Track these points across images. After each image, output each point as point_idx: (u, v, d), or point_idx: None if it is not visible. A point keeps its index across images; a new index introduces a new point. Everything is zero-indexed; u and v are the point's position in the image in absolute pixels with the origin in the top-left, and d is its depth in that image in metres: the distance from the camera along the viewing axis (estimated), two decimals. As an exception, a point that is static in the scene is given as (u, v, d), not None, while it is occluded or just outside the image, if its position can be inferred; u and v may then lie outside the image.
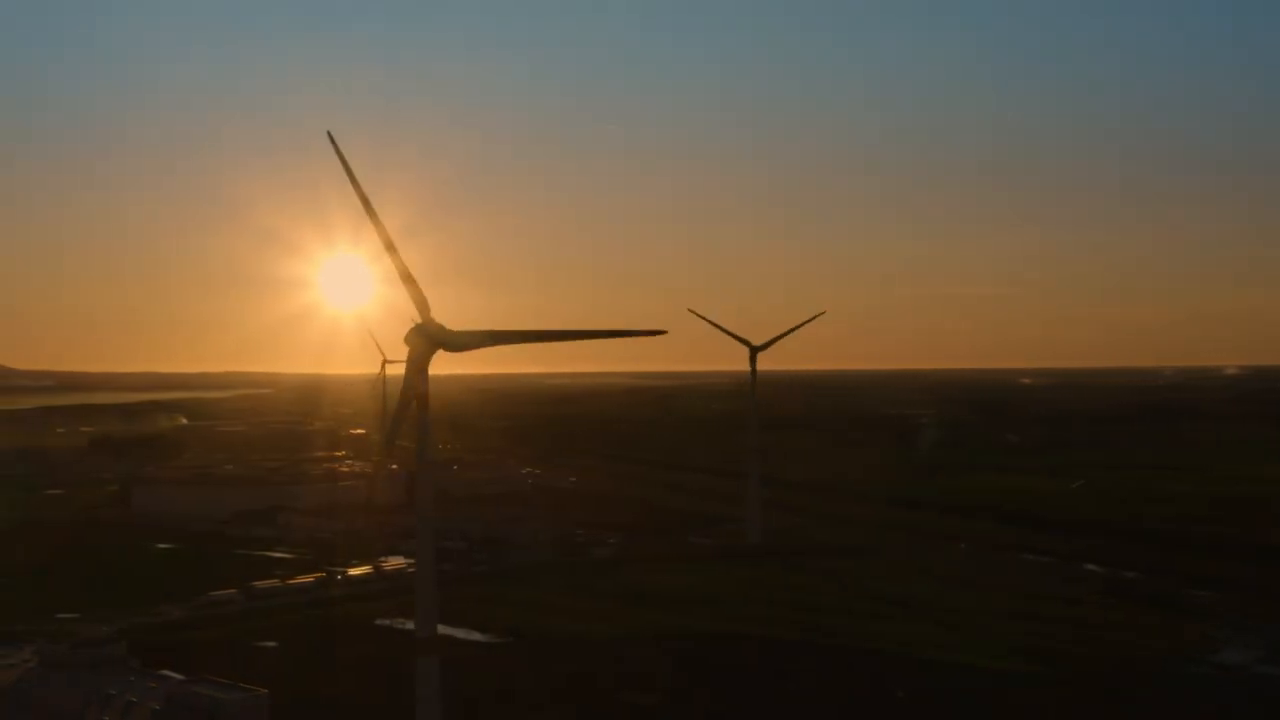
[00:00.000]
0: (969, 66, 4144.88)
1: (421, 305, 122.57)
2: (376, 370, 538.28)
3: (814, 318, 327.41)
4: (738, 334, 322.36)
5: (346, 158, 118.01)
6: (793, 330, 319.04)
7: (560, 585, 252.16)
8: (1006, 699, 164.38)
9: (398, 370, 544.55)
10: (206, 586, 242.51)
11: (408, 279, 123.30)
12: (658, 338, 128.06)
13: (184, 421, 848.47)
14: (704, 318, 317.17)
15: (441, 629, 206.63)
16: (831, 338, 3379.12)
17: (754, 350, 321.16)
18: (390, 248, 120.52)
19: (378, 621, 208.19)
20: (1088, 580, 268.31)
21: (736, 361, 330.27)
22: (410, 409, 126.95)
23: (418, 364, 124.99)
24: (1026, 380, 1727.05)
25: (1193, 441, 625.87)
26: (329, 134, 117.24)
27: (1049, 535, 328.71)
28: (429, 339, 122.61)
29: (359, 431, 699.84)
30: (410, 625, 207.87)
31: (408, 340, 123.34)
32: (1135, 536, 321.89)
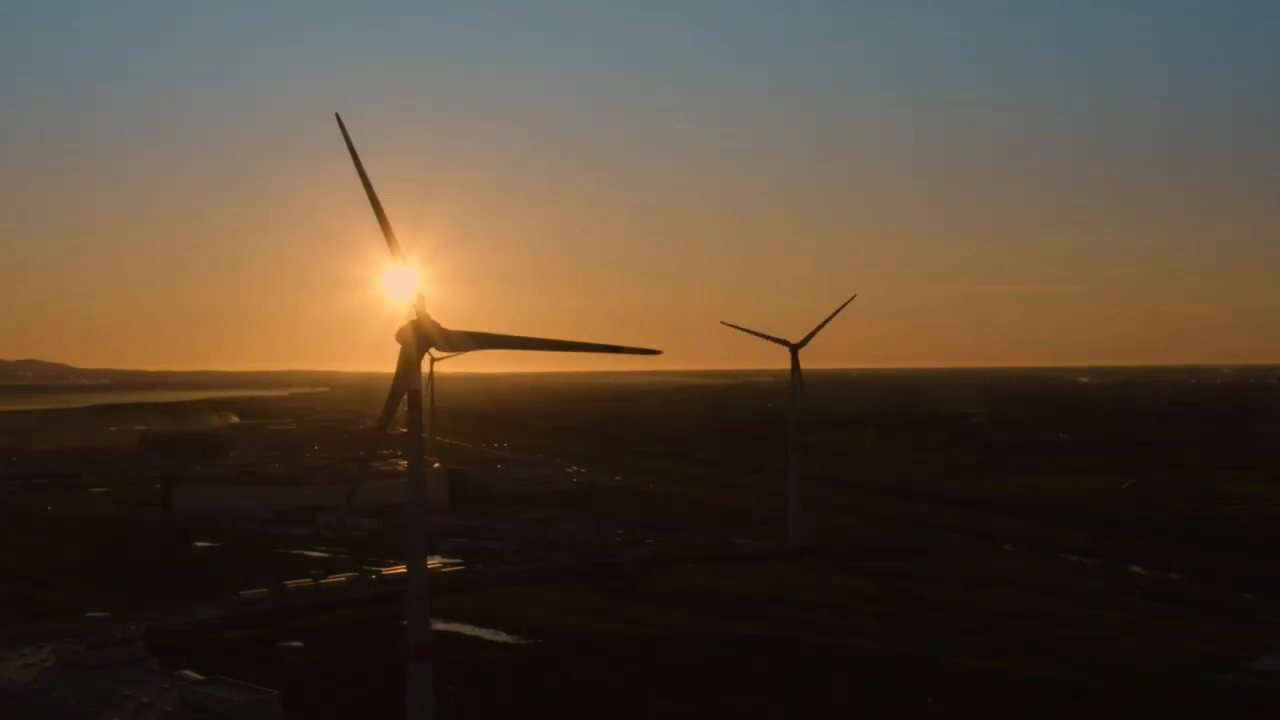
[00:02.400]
0: (1023, 65, 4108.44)
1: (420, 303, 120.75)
2: (431, 370, 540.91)
3: (846, 303, 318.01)
4: (774, 336, 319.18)
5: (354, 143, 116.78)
6: (828, 320, 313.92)
7: (595, 586, 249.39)
8: (1034, 705, 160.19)
9: (440, 368, 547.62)
10: (241, 586, 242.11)
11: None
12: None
13: (235, 420, 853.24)
14: (738, 327, 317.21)
15: (470, 630, 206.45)
16: (886, 336, 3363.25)
17: (794, 349, 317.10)
18: (391, 239, 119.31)
19: (406, 622, 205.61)
20: (1133, 582, 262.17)
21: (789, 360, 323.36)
22: (400, 402, 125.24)
23: (409, 360, 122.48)
24: (1083, 379, 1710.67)
25: (1248, 440, 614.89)
26: (337, 115, 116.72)
27: (1097, 536, 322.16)
28: (422, 336, 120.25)
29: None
30: (440, 626, 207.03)
31: (400, 337, 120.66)
32: (1184, 537, 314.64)
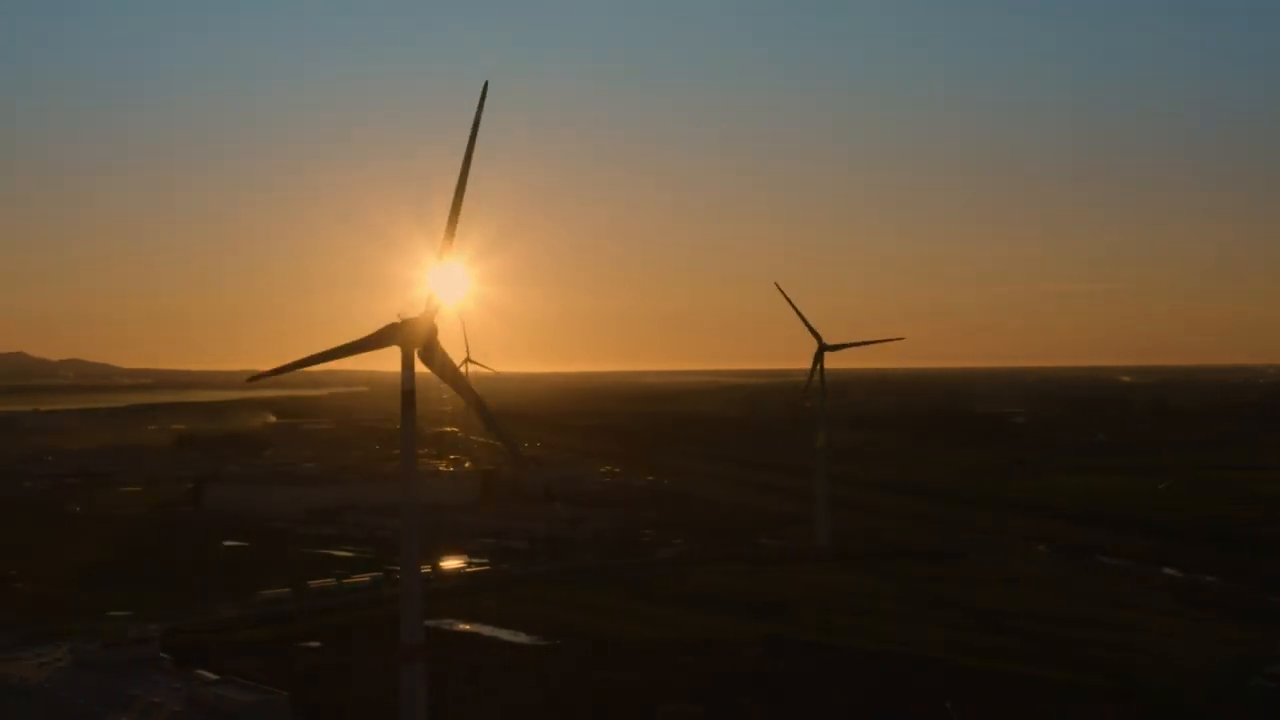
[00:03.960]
0: (1064, 63, 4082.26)
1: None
2: (475, 369, 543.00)
3: (889, 340, 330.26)
4: (812, 327, 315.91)
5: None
6: (865, 344, 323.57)
7: (618, 587, 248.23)
8: (1052, 709, 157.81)
9: (475, 369, 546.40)
10: (265, 585, 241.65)
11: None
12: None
13: (272, 419, 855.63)
14: (786, 296, 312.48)
15: (489, 631, 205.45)
16: (928, 337, 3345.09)
17: (822, 349, 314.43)
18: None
19: (425, 623, 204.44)
20: (1164, 585, 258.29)
21: (830, 359, 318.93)
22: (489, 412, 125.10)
23: (432, 360, 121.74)
24: (1126, 378, 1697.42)
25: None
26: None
27: (1129, 537, 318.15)
28: (414, 333, 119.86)
29: (449, 429, 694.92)
30: (462, 626, 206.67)
31: (400, 340, 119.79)
32: (1218, 539, 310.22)
